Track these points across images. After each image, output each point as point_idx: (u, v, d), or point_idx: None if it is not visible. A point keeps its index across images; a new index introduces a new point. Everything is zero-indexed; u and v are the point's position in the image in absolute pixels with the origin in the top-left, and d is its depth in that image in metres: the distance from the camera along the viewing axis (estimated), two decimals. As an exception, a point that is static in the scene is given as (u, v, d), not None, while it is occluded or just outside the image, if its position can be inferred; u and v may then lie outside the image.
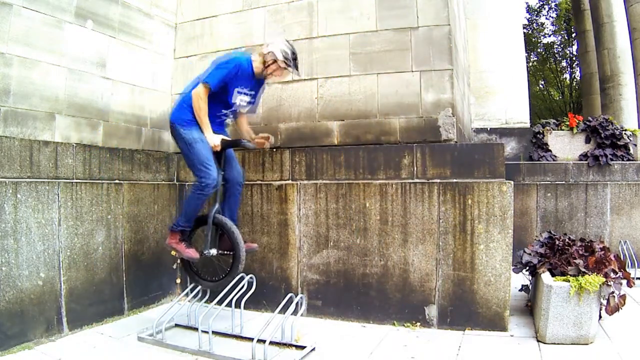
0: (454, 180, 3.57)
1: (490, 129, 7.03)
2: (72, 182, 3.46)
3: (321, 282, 3.88)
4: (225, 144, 3.30)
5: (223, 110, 3.38)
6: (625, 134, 6.01)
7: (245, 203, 4.09)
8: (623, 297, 3.05)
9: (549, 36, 21.65)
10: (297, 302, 3.21)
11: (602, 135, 6.00)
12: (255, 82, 3.40)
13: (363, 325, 3.66)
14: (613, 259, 3.19)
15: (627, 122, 8.64)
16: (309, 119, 4.13)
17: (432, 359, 2.97)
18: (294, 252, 3.96)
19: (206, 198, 3.25)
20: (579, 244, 3.51)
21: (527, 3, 20.53)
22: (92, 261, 3.58)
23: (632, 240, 5.45)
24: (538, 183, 5.94)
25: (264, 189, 4.07)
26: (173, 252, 3.46)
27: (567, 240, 3.65)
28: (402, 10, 3.87)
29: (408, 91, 3.84)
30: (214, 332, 3.07)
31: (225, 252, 3.40)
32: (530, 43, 20.09)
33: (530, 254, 3.65)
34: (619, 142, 5.93)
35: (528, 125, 7.33)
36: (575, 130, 6.22)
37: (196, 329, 3.11)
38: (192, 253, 3.29)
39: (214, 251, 3.35)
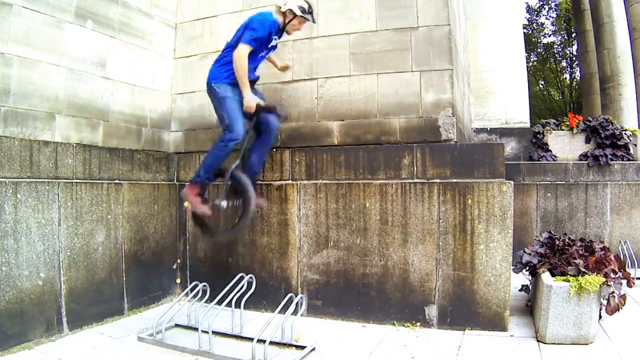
0: (454, 180, 3.57)
1: (490, 129, 7.03)
2: (72, 182, 3.46)
3: (321, 282, 3.88)
4: (260, 109, 3.49)
5: (253, 64, 3.61)
6: (625, 134, 6.01)
7: (245, 203, 4.09)
8: (623, 297, 3.05)
9: (549, 36, 21.66)
10: (297, 302, 3.21)
11: (602, 135, 5.99)
12: (280, 34, 3.69)
13: (363, 325, 3.66)
14: (613, 259, 3.19)
15: (627, 122, 8.64)
16: (309, 119, 4.13)
17: (432, 359, 2.97)
18: (294, 252, 3.96)
19: (228, 151, 3.41)
20: (579, 244, 3.51)
21: (527, 3, 20.53)
22: (92, 261, 3.58)
23: (632, 240, 5.45)
24: (538, 183, 5.93)
25: (264, 189, 4.07)
26: (186, 204, 3.58)
27: (567, 240, 3.65)
28: (402, 10, 3.88)
29: (408, 91, 3.84)
30: (214, 332, 3.07)
31: (235, 205, 3.58)
32: (530, 43, 20.07)
33: (530, 254, 3.65)
34: (619, 142, 5.93)
35: (528, 125, 7.32)
36: (575, 130, 6.22)
37: (196, 329, 3.12)
38: (205, 209, 3.47)
39: (224, 203, 3.53)
